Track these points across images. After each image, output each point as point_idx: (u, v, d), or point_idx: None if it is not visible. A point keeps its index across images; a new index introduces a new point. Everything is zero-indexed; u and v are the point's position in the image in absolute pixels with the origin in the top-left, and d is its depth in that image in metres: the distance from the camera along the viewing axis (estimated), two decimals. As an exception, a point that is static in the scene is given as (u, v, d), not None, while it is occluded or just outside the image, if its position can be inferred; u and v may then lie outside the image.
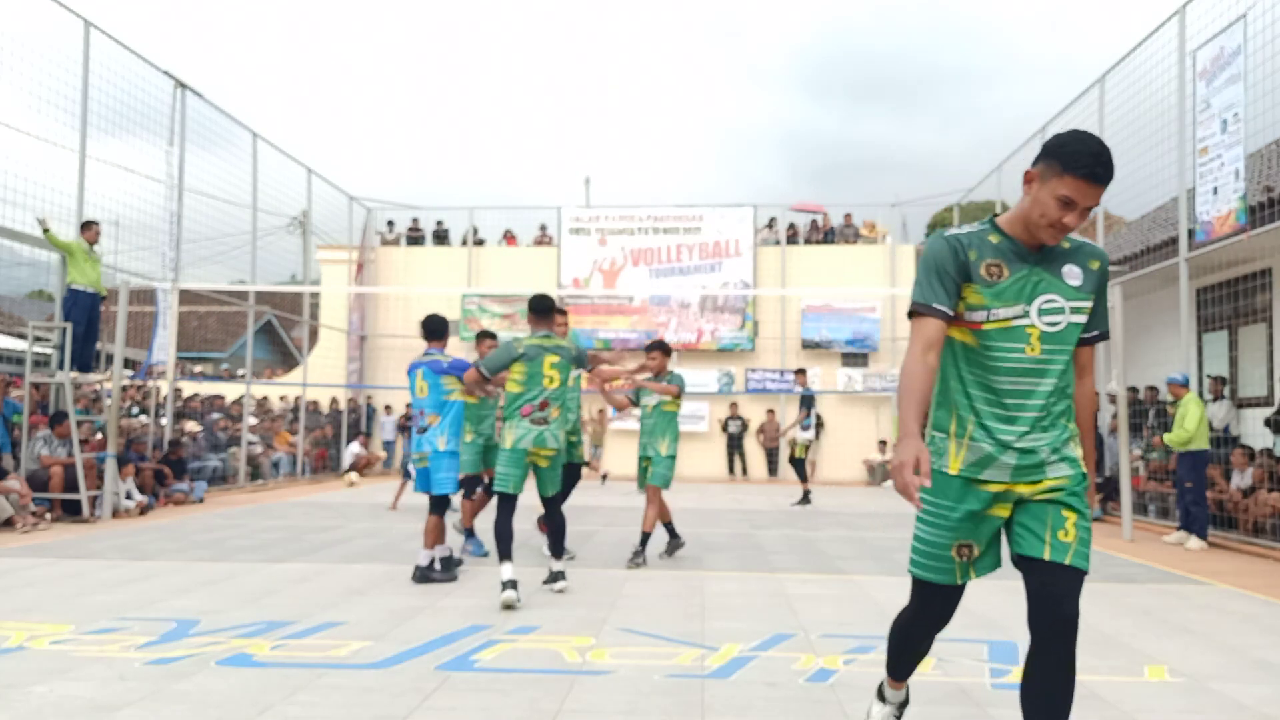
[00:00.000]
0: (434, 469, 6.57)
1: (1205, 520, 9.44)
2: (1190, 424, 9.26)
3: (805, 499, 13.64)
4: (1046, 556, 2.49)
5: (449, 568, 6.72)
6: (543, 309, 6.17)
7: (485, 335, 8.25)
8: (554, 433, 6.03)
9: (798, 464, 13.73)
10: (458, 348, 20.99)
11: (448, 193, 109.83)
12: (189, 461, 13.86)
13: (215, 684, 3.97)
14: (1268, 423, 10.39)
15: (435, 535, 6.61)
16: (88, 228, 11.21)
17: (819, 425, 19.94)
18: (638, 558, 7.43)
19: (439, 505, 6.68)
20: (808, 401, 13.78)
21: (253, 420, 17.15)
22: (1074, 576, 2.49)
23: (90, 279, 11.11)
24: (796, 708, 3.75)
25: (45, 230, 10.68)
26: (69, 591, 6.00)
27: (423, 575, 6.50)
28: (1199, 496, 9.42)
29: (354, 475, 11.93)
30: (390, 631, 4.99)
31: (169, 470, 12.58)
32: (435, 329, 6.82)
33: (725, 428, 20.61)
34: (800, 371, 14.29)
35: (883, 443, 19.99)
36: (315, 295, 21.12)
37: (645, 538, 7.52)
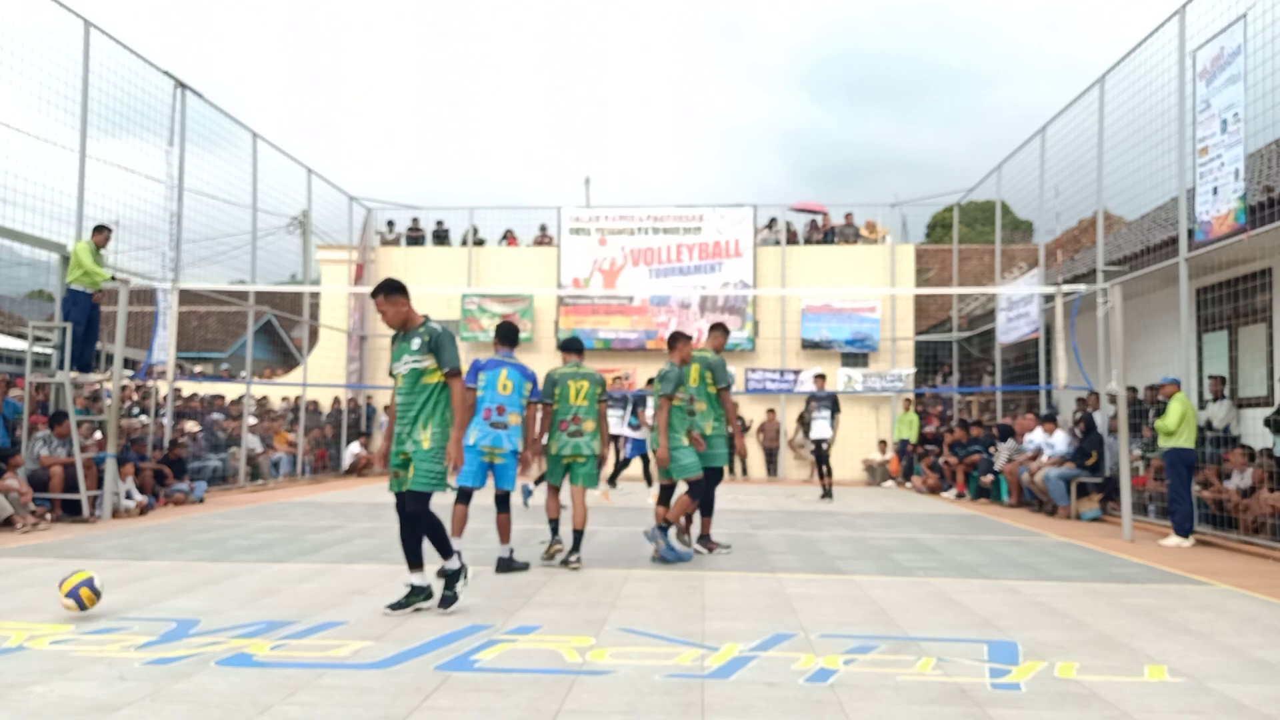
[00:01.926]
0: (509, 467, 6.97)
1: (1187, 517, 9.48)
2: (1170, 420, 9.44)
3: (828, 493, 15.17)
4: None
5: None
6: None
7: (681, 338, 8.02)
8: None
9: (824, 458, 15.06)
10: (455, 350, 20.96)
11: (448, 193, 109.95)
12: (189, 461, 13.86)
13: (215, 684, 3.97)
14: (1267, 423, 10.39)
15: (509, 529, 7.08)
16: (99, 231, 11.21)
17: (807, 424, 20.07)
18: (573, 555, 7.26)
19: (506, 502, 7.07)
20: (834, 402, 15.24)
21: (253, 420, 17.15)
22: None
23: (94, 280, 11.12)
24: (796, 708, 3.75)
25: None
26: (69, 591, 5.99)
27: (506, 565, 7.00)
28: (1178, 493, 9.50)
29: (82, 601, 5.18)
30: (390, 631, 4.99)
31: (169, 470, 12.58)
32: (512, 335, 7.26)
33: (725, 428, 20.59)
34: (821, 376, 15.93)
35: (882, 442, 19.99)
36: (315, 295, 21.12)
37: (577, 535, 7.34)
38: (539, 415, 7.33)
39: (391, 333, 5.75)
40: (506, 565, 7.02)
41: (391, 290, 5.62)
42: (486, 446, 6.85)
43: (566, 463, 7.38)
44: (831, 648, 4.74)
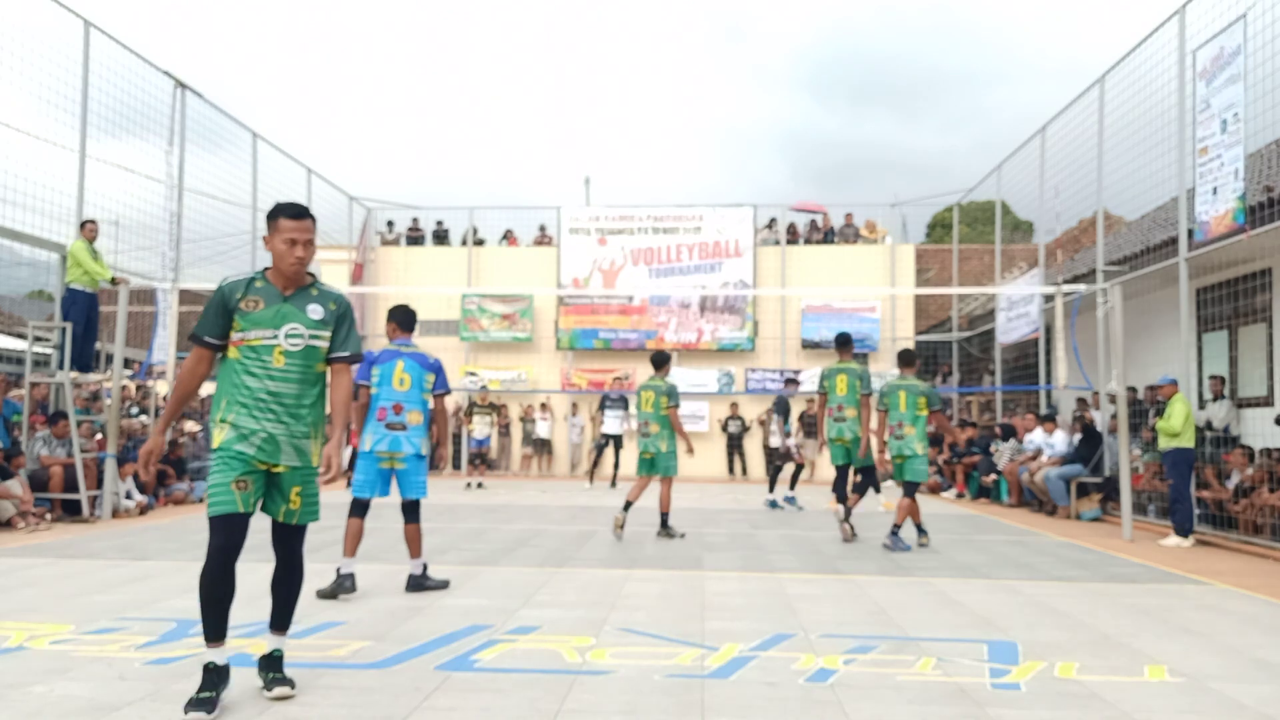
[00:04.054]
0: (413, 472, 6.12)
1: (1187, 517, 9.48)
2: (1175, 422, 9.45)
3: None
4: None
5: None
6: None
7: (913, 355, 9.73)
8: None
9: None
10: (457, 347, 21.02)
11: (448, 193, 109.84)
12: (189, 461, 13.85)
13: (215, 684, 3.96)
14: (1279, 421, 10.38)
15: (419, 542, 6.22)
16: (85, 226, 11.21)
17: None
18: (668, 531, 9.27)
19: (415, 511, 6.22)
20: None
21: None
22: None
23: (93, 279, 11.13)
24: (796, 708, 3.75)
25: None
26: (69, 591, 6.00)
27: (417, 584, 6.14)
28: (1180, 494, 9.50)
29: None
30: (390, 631, 4.99)
31: (169, 470, 12.58)
32: (408, 319, 6.39)
33: (725, 428, 20.59)
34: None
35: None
36: (315, 295, 21.11)
37: (663, 516, 9.34)
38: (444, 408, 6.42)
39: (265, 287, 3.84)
40: (418, 584, 6.13)
41: (314, 219, 3.88)
42: (384, 451, 6.05)
43: (647, 458, 9.16)
44: (831, 648, 4.74)
